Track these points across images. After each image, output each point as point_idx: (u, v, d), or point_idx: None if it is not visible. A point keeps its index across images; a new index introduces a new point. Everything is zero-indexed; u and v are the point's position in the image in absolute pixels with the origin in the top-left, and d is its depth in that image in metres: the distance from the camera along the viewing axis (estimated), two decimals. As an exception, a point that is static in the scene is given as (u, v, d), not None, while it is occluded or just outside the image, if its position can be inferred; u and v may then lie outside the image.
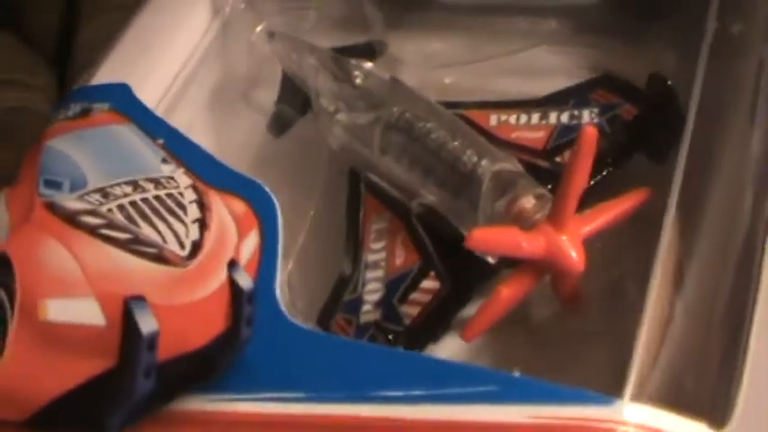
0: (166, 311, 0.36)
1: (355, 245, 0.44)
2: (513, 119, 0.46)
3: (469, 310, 0.41)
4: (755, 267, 0.38)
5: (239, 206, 0.40)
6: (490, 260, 0.42)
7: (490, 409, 0.34)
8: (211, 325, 0.37)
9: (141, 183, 0.40)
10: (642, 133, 0.45)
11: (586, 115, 0.46)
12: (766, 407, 0.36)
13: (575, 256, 0.39)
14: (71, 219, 0.39)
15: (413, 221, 0.44)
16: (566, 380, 0.35)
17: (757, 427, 0.36)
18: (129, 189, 0.40)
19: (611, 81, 0.47)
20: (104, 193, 0.40)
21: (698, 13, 0.45)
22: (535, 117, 0.46)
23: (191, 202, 0.40)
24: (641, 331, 0.36)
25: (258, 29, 0.50)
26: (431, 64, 0.50)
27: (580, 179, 0.39)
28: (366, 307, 0.43)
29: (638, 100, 0.46)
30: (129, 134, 0.43)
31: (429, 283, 0.42)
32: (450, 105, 0.46)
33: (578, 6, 0.50)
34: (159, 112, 0.46)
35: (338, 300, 0.43)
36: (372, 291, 0.43)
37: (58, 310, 0.37)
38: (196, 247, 0.38)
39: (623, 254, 0.42)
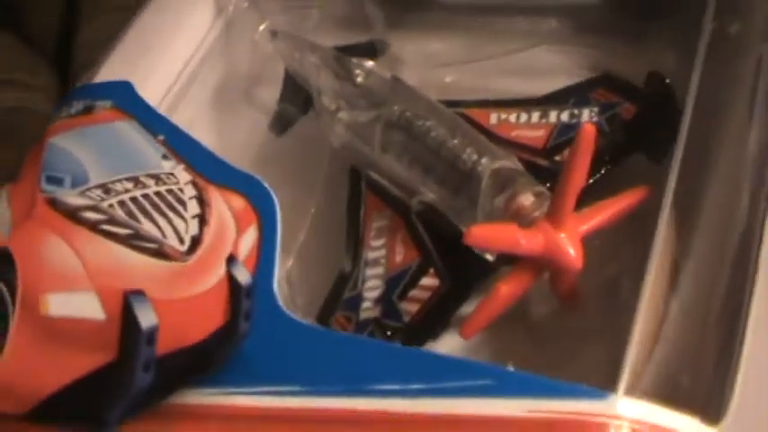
0: (166, 306, 0.36)
1: (355, 242, 0.45)
2: (513, 117, 0.46)
3: (468, 308, 0.41)
4: (751, 265, 0.38)
5: (238, 202, 0.40)
6: (489, 257, 0.42)
7: (486, 402, 0.34)
8: (210, 319, 0.37)
9: (142, 179, 0.40)
10: (641, 132, 0.45)
11: (586, 114, 0.46)
12: (761, 403, 0.36)
13: (573, 253, 0.40)
14: (72, 214, 0.39)
15: (413, 219, 0.44)
16: (564, 376, 0.35)
17: (752, 424, 0.36)
18: (129, 185, 0.40)
19: (611, 80, 0.47)
20: (105, 188, 0.40)
21: (697, 13, 0.45)
22: (535, 116, 0.46)
23: (190, 198, 0.40)
24: (635, 327, 0.36)
25: (261, 28, 0.50)
26: (431, 63, 0.50)
27: (578, 177, 0.39)
28: (366, 304, 0.43)
29: (638, 99, 0.46)
30: (130, 131, 0.43)
31: (428, 281, 0.43)
32: (451, 104, 0.46)
33: (578, 6, 0.50)
34: (162, 110, 0.46)
35: (338, 297, 0.44)
36: (372, 288, 0.43)
37: (59, 305, 0.37)
38: (195, 242, 0.39)
39: (621, 251, 0.42)
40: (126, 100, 0.44)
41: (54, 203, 0.39)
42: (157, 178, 0.41)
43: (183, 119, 0.46)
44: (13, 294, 0.37)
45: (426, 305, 0.42)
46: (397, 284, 0.43)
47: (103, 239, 0.38)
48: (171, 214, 0.39)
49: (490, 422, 0.34)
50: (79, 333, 0.37)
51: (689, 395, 0.37)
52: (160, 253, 0.38)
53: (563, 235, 0.40)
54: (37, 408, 0.37)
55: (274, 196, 0.40)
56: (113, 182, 0.40)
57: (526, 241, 0.40)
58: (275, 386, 0.37)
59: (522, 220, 0.40)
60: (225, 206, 0.40)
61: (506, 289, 0.40)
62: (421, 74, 0.50)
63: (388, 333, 0.41)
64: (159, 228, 0.39)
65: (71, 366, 0.37)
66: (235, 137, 0.49)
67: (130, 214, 0.39)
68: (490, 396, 0.35)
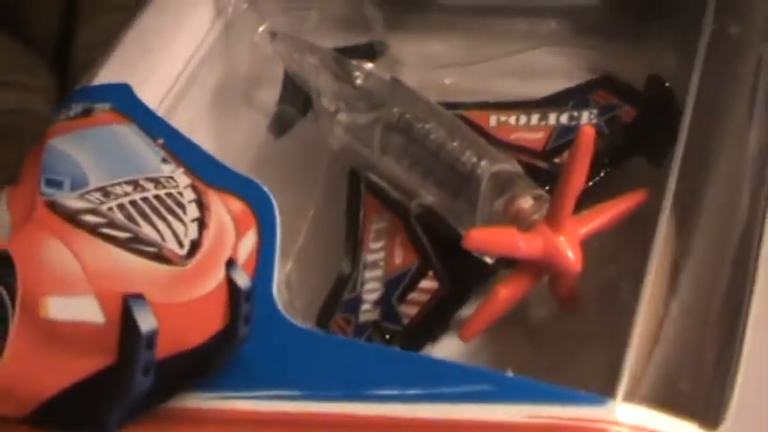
0: (165, 310, 0.36)
1: (355, 244, 0.45)
2: (512, 120, 0.46)
3: (468, 311, 0.41)
4: (751, 266, 0.38)
5: (237, 205, 0.40)
6: (488, 260, 0.42)
7: (485, 408, 0.34)
8: (209, 323, 0.37)
9: (141, 182, 0.40)
10: (640, 135, 0.45)
11: (586, 116, 0.46)
12: (760, 407, 0.36)
13: (572, 256, 0.39)
14: (72, 218, 0.39)
15: (412, 222, 0.44)
16: (563, 380, 0.35)
17: (751, 428, 0.36)
18: (129, 188, 0.40)
19: (611, 82, 0.47)
20: (105, 192, 0.40)
21: (697, 15, 0.45)
22: (534, 118, 0.46)
23: (190, 202, 0.40)
24: (634, 331, 0.36)
25: (260, 29, 0.50)
26: (431, 65, 0.50)
27: (578, 179, 0.39)
28: (365, 306, 0.43)
29: (638, 102, 0.46)
30: (129, 134, 0.43)
31: (427, 283, 0.43)
32: (450, 106, 0.46)
33: (578, 7, 0.50)
34: (161, 112, 0.46)
35: (337, 299, 0.44)
36: (371, 290, 0.43)
37: (59, 308, 0.37)
38: (195, 246, 0.39)
39: (620, 254, 0.42)
40: (125, 102, 0.44)
41: (53, 206, 0.39)
42: (157, 182, 0.41)
43: (182, 120, 0.46)
44: (12, 297, 0.37)
45: (425, 308, 0.42)
46: (397, 287, 0.43)
47: (103, 243, 0.38)
48: (170, 218, 0.39)
49: (489, 428, 0.34)
50: (78, 336, 0.37)
51: (688, 399, 0.37)
52: (159, 257, 0.38)
53: (562, 238, 0.40)
54: (36, 411, 0.37)
55: (273, 200, 0.40)
56: (113, 185, 0.40)
57: (525, 244, 0.40)
58: (274, 390, 0.37)
59: (522, 223, 0.40)
60: (224, 210, 0.40)
61: (505, 292, 0.40)
62: (420, 75, 0.50)
63: (387, 336, 0.41)
64: (158, 231, 0.39)
65: (70, 370, 0.37)
66: (234, 138, 0.49)
67: (130, 218, 0.39)
68: (489, 402, 0.34)
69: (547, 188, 0.41)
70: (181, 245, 0.38)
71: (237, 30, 0.51)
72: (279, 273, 0.40)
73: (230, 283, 0.38)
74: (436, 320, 0.42)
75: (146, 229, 0.39)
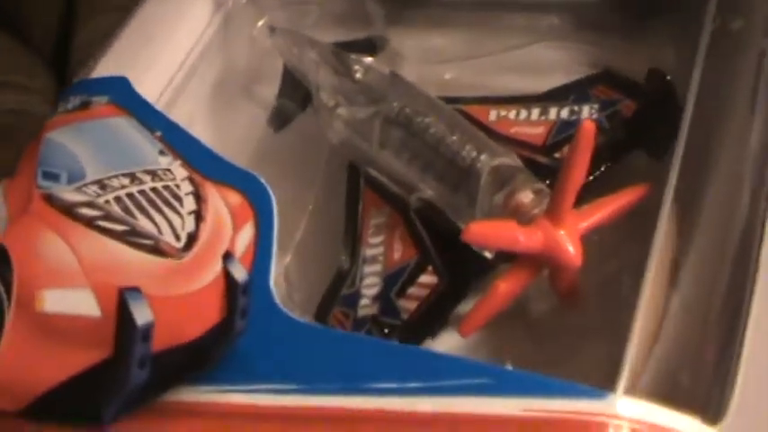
0: (162, 303, 0.36)
1: (354, 239, 0.44)
2: (512, 114, 0.46)
3: (467, 306, 0.41)
4: (752, 263, 0.38)
5: (235, 198, 0.40)
6: (487, 255, 0.41)
7: (483, 401, 0.34)
8: (206, 316, 0.37)
9: (138, 175, 0.40)
10: (641, 129, 0.45)
11: (586, 111, 0.46)
12: (761, 403, 0.36)
13: (572, 250, 0.39)
14: (68, 210, 0.39)
15: (411, 216, 0.44)
16: (563, 374, 0.35)
17: (752, 423, 0.36)
18: (126, 181, 0.40)
19: (612, 77, 0.47)
20: (102, 184, 0.40)
21: (697, 10, 0.45)
22: (535, 113, 0.46)
23: (187, 194, 0.40)
24: (634, 325, 0.36)
25: (260, 23, 0.50)
26: (431, 59, 0.50)
27: (578, 174, 0.39)
28: (364, 301, 0.43)
29: (639, 96, 0.46)
30: (127, 127, 0.43)
31: (427, 278, 0.42)
32: (450, 101, 0.46)
33: (578, 3, 0.50)
34: (160, 106, 0.46)
35: (336, 294, 0.43)
36: (370, 285, 0.43)
37: (55, 301, 0.37)
38: (192, 238, 0.38)
39: (621, 248, 0.42)
40: (123, 95, 0.44)
41: (50, 199, 0.39)
42: (154, 174, 0.40)
43: (181, 114, 0.46)
44: (8, 290, 0.37)
45: (424, 303, 0.42)
46: (395, 282, 0.42)
47: (99, 236, 0.38)
48: (167, 210, 0.39)
49: (487, 421, 0.34)
50: (74, 330, 0.36)
51: (689, 394, 0.36)
52: (156, 249, 0.38)
53: (562, 232, 0.39)
54: (32, 405, 0.37)
55: (271, 192, 0.40)
56: (110, 178, 0.40)
57: (525, 238, 0.39)
58: (271, 384, 0.37)
59: (522, 217, 0.40)
60: (221, 202, 0.40)
61: (505, 286, 0.40)
62: (420, 70, 0.49)
63: (386, 330, 0.41)
64: (155, 224, 0.39)
65: (66, 363, 0.36)
66: (233, 132, 0.49)
67: (126, 210, 0.39)
68: (488, 395, 0.34)
69: (547, 183, 0.41)
70: (178, 238, 0.38)
71: (237, 24, 0.50)
72: (277, 266, 0.40)
73: (227, 276, 0.38)
74: (435, 315, 0.42)
75: (142, 222, 0.38)
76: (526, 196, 0.41)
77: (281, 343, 0.37)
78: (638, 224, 0.40)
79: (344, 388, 0.36)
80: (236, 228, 0.40)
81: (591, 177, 0.42)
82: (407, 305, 0.42)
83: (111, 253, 0.37)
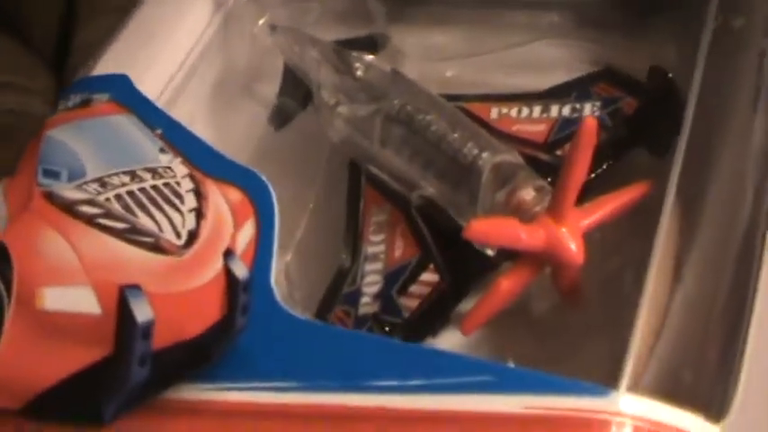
0: (162, 300, 0.36)
1: (355, 237, 0.44)
2: (514, 112, 0.46)
3: (468, 304, 0.41)
4: (755, 260, 0.38)
5: (235, 195, 0.40)
6: (489, 252, 0.41)
7: (485, 398, 0.34)
8: (207, 314, 0.37)
9: (139, 172, 0.40)
10: (643, 126, 0.44)
11: (588, 108, 0.46)
12: (764, 400, 0.36)
13: (574, 248, 0.39)
14: (69, 208, 0.39)
15: (412, 214, 0.43)
16: (566, 372, 0.35)
17: (755, 421, 0.36)
18: (126, 179, 0.40)
19: (613, 74, 0.47)
20: (102, 182, 0.40)
21: (699, 7, 0.45)
22: (536, 110, 0.46)
23: (187, 192, 0.40)
24: (637, 323, 0.36)
25: (261, 21, 0.50)
26: (432, 57, 0.50)
27: (580, 171, 0.39)
28: (365, 299, 0.43)
29: (640, 93, 0.46)
30: (127, 124, 0.43)
31: (428, 276, 0.42)
32: (452, 98, 0.46)
33: (580, 0, 0.50)
34: (160, 104, 0.46)
35: (337, 292, 0.43)
36: (371, 283, 0.43)
37: (55, 299, 0.37)
38: (192, 236, 0.38)
39: (623, 246, 0.42)
40: (123, 93, 0.44)
41: (50, 197, 0.39)
42: (154, 172, 0.40)
43: (182, 113, 0.46)
44: (8, 288, 0.37)
45: (426, 301, 0.42)
46: (397, 280, 0.42)
47: (100, 233, 0.38)
48: (168, 208, 0.39)
49: (489, 419, 0.34)
50: (75, 327, 0.36)
51: (692, 391, 0.36)
52: (157, 247, 0.38)
53: (564, 230, 0.39)
54: (32, 403, 0.37)
55: (272, 189, 0.40)
56: (110, 175, 0.40)
57: (527, 236, 0.39)
58: (272, 382, 0.36)
59: (523, 214, 0.40)
60: (222, 199, 0.40)
61: (507, 284, 0.40)
62: (422, 68, 0.49)
63: (387, 328, 0.41)
64: (156, 222, 0.38)
65: (67, 361, 0.36)
66: (234, 131, 0.49)
67: (127, 208, 0.39)
68: (489, 392, 0.34)
69: (549, 180, 0.41)
70: (178, 235, 0.38)
71: (237, 22, 0.50)
72: (278, 264, 0.40)
73: (228, 273, 0.37)
74: (436, 313, 0.42)
75: (143, 220, 0.38)
76: (528, 194, 0.40)
77: (282, 340, 0.37)
78: (640, 221, 0.40)
79: (345, 385, 0.36)
80: (237, 225, 0.39)
81: (593, 175, 0.42)
82: (409, 303, 0.42)
83: (111, 251, 0.37)
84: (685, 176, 0.40)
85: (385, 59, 0.48)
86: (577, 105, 0.46)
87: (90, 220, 0.38)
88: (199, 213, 0.39)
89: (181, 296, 0.37)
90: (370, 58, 0.47)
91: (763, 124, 0.42)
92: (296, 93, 0.49)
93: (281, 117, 0.49)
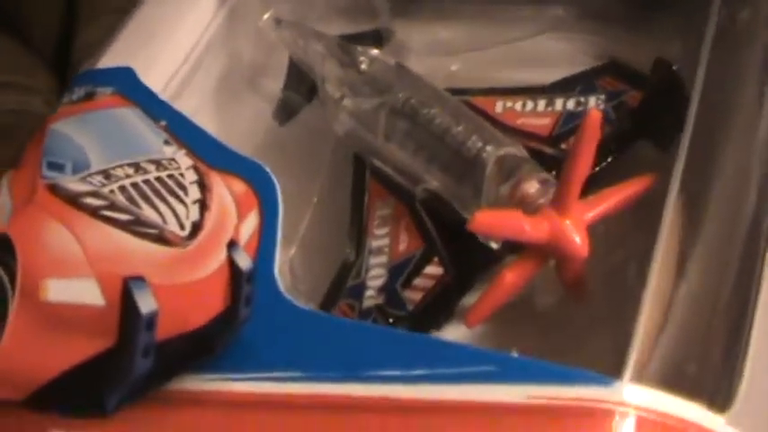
0: (166, 291, 0.36)
1: (359, 230, 0.44)
2: (518, 105, 0.46)
3: (472, 297, 0.41)
4: (759, 254, 0.38)
5: (239, 186, 0.40)
6: (493, 245, 0.41)
7: (488, 388, 0.34)
8: (210, 305, 0.37)
9: (143, 164, 0.40)
10: (647, 120, 0.44)
11: (593, 102, 0.46)
12: (768, 392, 0.36)
13: (578, 241, 0.39)
14: (73, 200, 0.39)
15: (417, 207, 0.43)
16: (569, 364, 0.34)
17: (759, 412, 0.35)
18: (130, 170, 0.40)
19: (618, 68, 0.47)
20: (106, 174, 0.40)
21: (703, 2, 0.45)
22: (541, 104, 0.46)
23: (191, 183, 0.40)
24: (641, 315, 0.36)
25: (265, 16, 0.50)
26: (437, 51, 0.50)
27: (584, 163, 0.39)
28: (369, 292, 0.43)
29: (645, 87, 0.45)
30: (131, 117, 0.43)
31: (432, 269, 0.42)
32: (457, 92, 0.46)
33: (584, -6, 0.50)
34: (165, 98, 0.45)
35: (341, 285, 0.43)
36: (376, 276, 0.43)
37: (59, 291, 0.37)
38: (196, 227, 0.38)
39: (627, 238, 0.42)
40: (128, 86, 0.44)
41: (55, 189, 0.39)
42: (158, 163, 0.40)
43: (186, 107, 0.46)
44: (12, 280, 0.37)
45: (430, 294, 0.42)
46: (401, 273, 0.42)
47: (104, 225, 0.38)
48: (172, 199, 0.39)
49: (492, 409, 0.34)
50: (79, 319, 0.36)
51: (696, 382, 0.36)
52: (161, 238, 0.38)
53: (568, 222, 0.39)
54: (35, 394, 0.37)
55: (276, 181, 0.40)
56: (114, 167, 0.40)
57: (531, 228, 0.39)
58: (275, 372, 0.36)
59: (527, 207, 0.40)
60: (226, 191, 0.40)
61: (511, 277, 0.40)
62: (426, 62, 0.49)
63: (391, 320, 0.41)
64: (160, 213, 0.38)
65: (70, 352, 0.36)
66: (238, 125, 0.49)
67: (131, 200, 0.39)
68: (492, 382, 0.34)
69: (553, 173, 0.41)
70: (182, 226, 0.38)
71: (242, 16, 0.50)
72: (282, 257, 0.40)
73: (232, 264, 0.38)
74: (441, 306, 0.42)
75: (147, 211, 0.38)
76: (532, 186, 0.40)
77: (286, 331, 0.37)
78: (644, 214, 0.40)
79: (348, 376, 0.35)
80: (241, 216, 0.39)
81: (597, 168, 0.42)
82: (413, 296, 0.42)
83: (115, 242, 0.37)
84: (689, 170, 0.40)
85: (390, 54, 0.48)
86: (582, 99, 0.46)
87: (94, 212, 0.38)
88: (203, 205, 0.39)
89: (184, 287, 0.37)
90: (374, 52, 0.47)
91: (769, 116, 0.42)
92: (301, 87, 0.49)
93: (285, 111, 0.49)
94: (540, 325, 0.41)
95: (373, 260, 0.43)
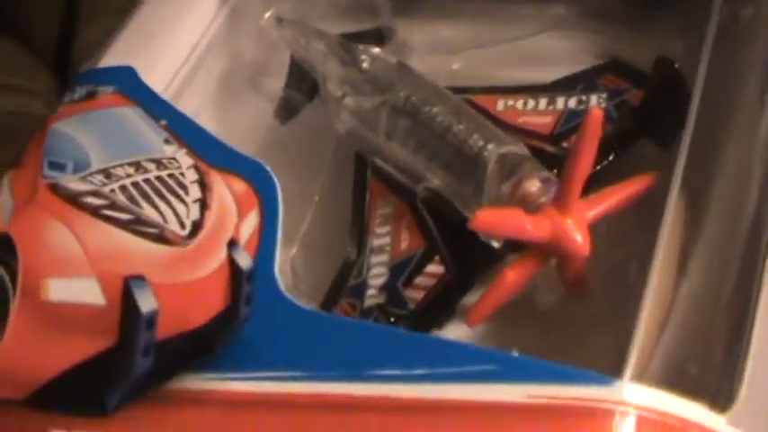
0: (166, 290, 0.36)
1: (360, 229, 0.44)
2: (520, 104, 0.46)
3: (474, 297, 0.41)
4: (761, 253, 0.38)
5: (240, 185, 0.40)
6: (495, 244, 0.41)
7: (488, 388, 0.34)
8: (211, 304, 0.37)
9: (144, 163, 0.40)
10: (649, 118, 0.44)
11: (594, 100, 0.45)
12: (769, 391, 0.36)
13: (580, 239, 0.39)
14: (74, 199, 0.39)
15: (418, 206, 0.43)
16: (570, 363, 0.34)
17: (760, 411, 0.35)
18: (131, 170, 0.40)
19: (619, 66, 0.46)
20: (107, 173, 0.40)
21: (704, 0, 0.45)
22: (542, 102, 0.46)
23: (192, 182, 0.40)
24: (642, 314, 0.36)
25: (267, 15, 0.50)
26: (438, 50, 0.50)
27: (585, 162, 0.39)
28: (370, 291, 0.43)
29: (647, 85, 0.45)
30: (132, 116, 0.43)
31: (433, 268, 0.42)
32: (458, 91, 0.46)
33: (584, -8, 0.50)
34: (166, 98, 0.46)
35: (343, 284, 0.43)
36: (377, 275, 0.43)
37: (60, 290, 0.37)
38: (196, 226, 0.38)
39: (629, 237, 0.42)
40: (129, 85, 0.44)
41: (56, 189, 0.39)
42: (159, 163, 0.40)
43: (188, 106, 0.46)
44: (13, 279, 0.37)
45: (431, 292, 0.42)
46: (402, 272, 0.42)
47: (104, 224, 0.38)
48: (172, 199, 0.39)
49: (492, 408, 0.34)
50: (79, 318, 0.36)
51: (697, 382, 0.36)
52: (161, 238, 0.38)
53: (570, 221, 0.39)
54: (36, 393, 0.37)
55: (276, 180, 0.40)
56: (115, 167, 0.40)
57: (532, 227, 0.39)
58: (276, 371, 0.36)
59: (529, 206, 0.40)
60: (226, 190, 0.40)
61: (513, 275, 0.40)
62: (428, 60, 0.49)
63: (392, 319, 0.41)
64: (160, 212, 0.38)
65: (71, 352, 0.36)
66: (240, 124, 0.49)
67: (132, 199, 0.39)
68: (493, 381, 0.34)
69: (554, 172, 0.41)
70: (182, 226, 0.38)
71: (243, 15, 0.50)
72: (284, 256, 0.40)
73: (232, 263, 0.38)
74: (442, 305, 0.42)
75: (147, 211, 0.38)
76: (533, 185, 0.40)
77: (286, 330, 0.37)
78: (645, 213, 0.40)
79: (349, 375, 0.35)
80: (241, 215, 0.39)
81: (598, 167, 0.41)
82: (414, 295, 0.42)
83: (116, 241, 0.37)
84: (691, 168, 0.40)
85: (391, 52, 0.48)
86: (583, 97, 0.46)
87: (95, 212, 0.38)
88: (203, 204, 0.39)
89: (185, 286, 0.37)
90: (375, 50, 0.47)
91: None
92: (302, 85, 0.49)
93: (287, 110, 0.49)
94: (542, 324, 0.41)
95: (374, 259, 0.43)
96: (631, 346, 0.35)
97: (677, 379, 0.36)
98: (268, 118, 0.49)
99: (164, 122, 0.42)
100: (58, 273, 0.37)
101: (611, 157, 0.43)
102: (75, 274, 0.37)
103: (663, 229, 0.38)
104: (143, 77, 0.45)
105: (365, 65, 0.46)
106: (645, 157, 0.44)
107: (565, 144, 0.44)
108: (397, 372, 0.35)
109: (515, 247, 0.41)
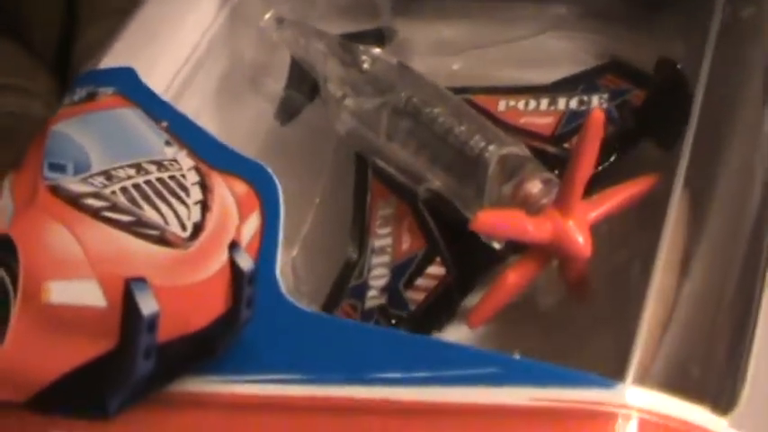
0: (167, 293, 0.36)
1: (361, 230, 0.44)
2: (521, 104, 0.46)
3: (475, 298, 0.41)
4: (764, 253, 0.38)
5: (241, 187, 0.40)
6: (496, 245, 0.41)
7: (490, 391, 0.34)
8: (212, 306, 0.37)
9: (144, 165, 0.40)
10: (650, 118, 0.44)
11: (596, 101, 0.45)
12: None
13: (581, 240, 0.39)
14: (74, 201, 0.39)
15: (419, 207, 0.43)
16: (572, 365, 0.34)
17: (763, 414, 0.35)
18: (132, 171, 0.40)
19: (621, 67, 0.46)
20: (108, 175, 0.40)
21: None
22: (544, 103, 0.46)
23: (193, 184, 0.40)
24: (644, 315, 0.36)
25: (267, 15, 0.50)
26: (439, 50, 0.50)
27: (587, 163, 0.39)
28: (372, 292, 0.43)
29: (648, 86, 0.45)
30: (133, 117, 0.43)
31: (434, 269, 0.42)
32: (459, 91, 0.46)
33: (585, -8, 0.50)
34: (167, 99, 0.45)
35: (344, 285, 0.43)
36: (378, 276, 0.43)
37: (60, 292, 0.37)
38: (197, 228, 0.38)
39: (631, 238, 0.42)
40: (129, 86, 0.44)
41: (56, 190, 0.39)
42: (160, 164, 0.40)
43: (188, 107, 0.46)
44: (14, 281, 0.37)
45: (432, 294, 0.42)
46: (403, 273, 0.42)
47: (105, 226, 0.38)
48: (173, 200, 0.39)
49: (495, 411, 0.34)
50: (80, 321, 0.36)
51: (699, 384, 0.36)
52: (162, 240, 0.38)
53: (571, 222, 0.39)
54: (37, 396, 0.37)
55: (277, 182, 0.40)
56: (116, 168, 0.40)
57: (534, 228, 0.39)
58: (277, 374, 0.36)
59: (530, 207, 0.40)
60: (227, 192, 0.40)
61: (514, 277, 0.40)
62: (428, 61, 0.49)
63: (393, 321, 0.41)
64: (161, 214, 0.38)
65: (72, 354, 0.36)
66: (240, 125, 0.49)
67: (132, 201, 0.39)
68: (495, 384, 0.34)
69: (556, 173, 0.41)
70: (183, 227, 0.38)
71: (243, 16, 0.50)
72: (285, 258, 0.40)
73: (233, 265, 0.37)
74: (443, 307, 0.41)
75: (148, 213, 0.38)
76: (535, 186, 0.40)
77: (287, 332, 0.37)
78: (647, 214, 0.40)
79: (350, 378, 0.35)
80: (243, 217, 0.39)
81: (600, 168, 0.41)
82: (415, 296, 0.42)
83: (116, 243, 0.37)
84: (693, 169, 0.40)
85: (392, 53, 0.48)
86: (585, 98, 0.46)
87: (95, 213, 0.38)
88: (204, 206, 0.39)
89: (186, 289, 0.37)
90: (376, 51, 0.47)
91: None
92: (302, 86, 0.49)
93: (287, 111, 0.49)
94: (543, 326, 0.41)
95: (376, 260, 0.43)
96: (633, 349, 0.35)
97: (680, 380, 0.36)
98: (269, 119, 0.49)
99: (164, 124, 0.42)
100: (58, 275, 0.37)
101: (612, 158, 0.43)
102: (75, 276, 0.37)
103: (665, 229, 0.38)
104: (143, 78, 0.45)
105: (366, 65, 0.46)
106: (647, 157, 0.44)
107: (566, 145, 0.44)
108: (399, 375, 0.35)
109: (517, 248, 0.41)
